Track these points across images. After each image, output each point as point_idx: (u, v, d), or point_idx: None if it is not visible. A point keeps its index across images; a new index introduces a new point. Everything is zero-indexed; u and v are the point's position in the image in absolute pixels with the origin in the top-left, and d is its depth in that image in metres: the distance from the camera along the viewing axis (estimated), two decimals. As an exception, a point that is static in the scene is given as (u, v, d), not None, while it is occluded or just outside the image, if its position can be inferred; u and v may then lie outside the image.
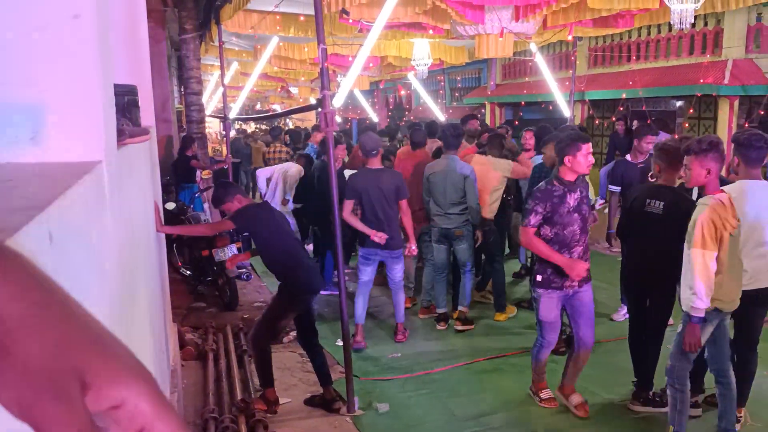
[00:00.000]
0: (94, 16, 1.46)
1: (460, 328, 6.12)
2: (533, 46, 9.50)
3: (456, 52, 10.10)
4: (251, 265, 8.22)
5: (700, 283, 3.42)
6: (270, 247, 4.43)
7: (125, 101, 2.84)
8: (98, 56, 1.48)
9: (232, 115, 9.30)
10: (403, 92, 16.26)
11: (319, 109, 4.17)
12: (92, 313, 0.47)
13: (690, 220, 3.53)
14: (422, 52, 8.54)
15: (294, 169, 7.95)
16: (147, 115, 3.95)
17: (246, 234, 6.68)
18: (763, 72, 8.26)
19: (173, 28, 9.89)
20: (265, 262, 4.59)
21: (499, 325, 6.30)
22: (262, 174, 8.49)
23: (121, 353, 0.47)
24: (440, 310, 6.30)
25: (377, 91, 18.43)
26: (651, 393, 4.43)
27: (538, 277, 4.27)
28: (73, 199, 1.08)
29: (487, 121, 14.07)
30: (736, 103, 8.45)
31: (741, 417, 4.07)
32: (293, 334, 5.89)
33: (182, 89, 9.72)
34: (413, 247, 5.75)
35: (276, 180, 7.98)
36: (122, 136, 2.21)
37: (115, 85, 1.97)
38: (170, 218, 6.62)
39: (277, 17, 7.02)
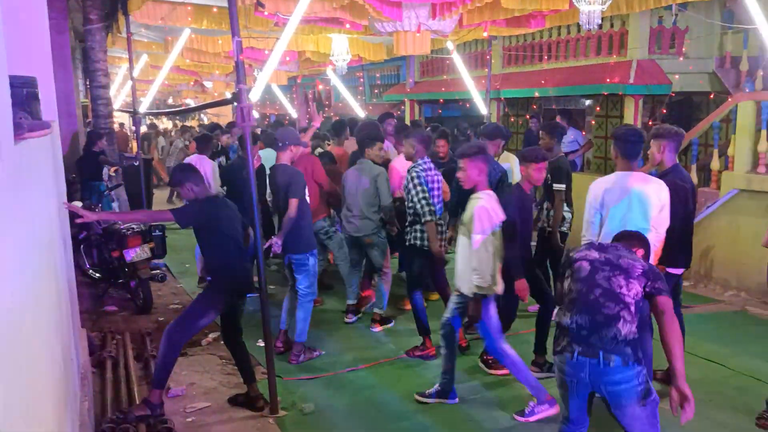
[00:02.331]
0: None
1: (377, 329, 6.13)
2: (450, 44, 9.66)
3: (374, 48, 10.13)
4: (166, 265, 7.94)
5: (483, 264, 3.99)
6: (209, 246, 4.36)
7: (24, 94, 2.69)
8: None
9: (142, 109, 8.93)
10: (321, 87, 16.12)
11: (235, 104, 4.05)
12: None
13: (469, 215, 4.08)
14: (341, 47, 8.50)
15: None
16: (49, 109, 3.73)
17: (159, 233, 6.46)
18: (664, 72, 8.72)
19: (77, 18, 9.41)
20: (204, 256, 4.51)
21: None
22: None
23: None
24: (349, 302, 6.33)
25: (296, 86, 18.21)
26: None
27: None
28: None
29: (407, 118, 14.20)
30: (641, 101, 8.88)
31: None
32: (213, 336, 5.77)
33: (88, 82, 9.25)
34: (276, 240, 5.20)
35: None
36: (20, 130, 2.08)
37: (11, 77, 1.84)
38: (75, 218, 6.28)
39: (189, 8, 6.76)
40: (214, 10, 6.83)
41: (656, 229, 4.22)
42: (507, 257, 4.75)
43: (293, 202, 5.18)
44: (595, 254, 3.23)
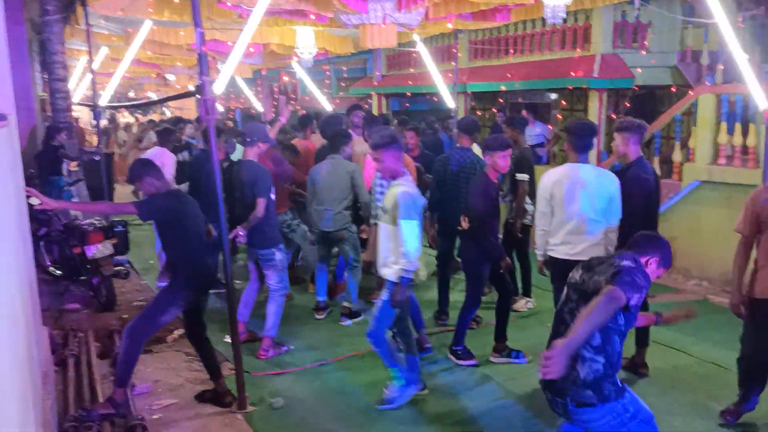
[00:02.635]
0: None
1: (347, 323, 6.12)
2: (416, 38, 9.64)
3: (341, 41, 10.04)
4: (129, 262, 7.79)
5: (412, 249, 4.09)
6: (170, 240, 4.30)
7: (-24, 85, 2.58)
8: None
9: (103, 103, 8.72)
10: (286, 78, 15.93)
11: (199, 97, 3.98)
12: None
13: (395, 200, 4.12)
14: (306, 40, 8.40)
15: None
16: (5, 102, 3.63)
17: (122, 229, 6.32)
18: (627, 66, 8.84)
19: (34, 9, 9.13)
20: (166, 251, 4.45)
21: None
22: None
23: None
24: (319, 299, 6.31)
25: (261, 79, 18.00)
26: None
27: None
28: None
29: (374, 112, 14.17)
30: (605, 95, 9.00)
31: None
32: (178, 333, 5.68)
33: (46, 75, 9.00)
34: (240, 232, 5.15)
35: None
36: (-28, 122, 2.00)
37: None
38: (34, 214, 6.10)
39: (148, -1, 6.61)
40: (176, 0, 6.70)
41: (607, 220, 4.34)
42: (477, 242, 4.91)
43: (261, 202, 5.14)
44: (576, 276, 3.07)
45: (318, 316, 6.28)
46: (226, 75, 4.74)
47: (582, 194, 4.37)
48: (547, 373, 2.62)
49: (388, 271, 4.26)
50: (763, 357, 3.93)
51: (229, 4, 6.07)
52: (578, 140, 4.45)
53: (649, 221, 4.56)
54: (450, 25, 7.84)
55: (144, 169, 4.29)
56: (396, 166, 4.27)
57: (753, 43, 8.22)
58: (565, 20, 9.22)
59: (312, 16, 6.93)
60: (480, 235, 4.94)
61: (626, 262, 2.91)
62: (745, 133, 7.06)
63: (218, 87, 4.21)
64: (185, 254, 4.27)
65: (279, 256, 5.29)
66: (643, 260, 3.04)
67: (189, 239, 4.25)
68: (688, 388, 4.67)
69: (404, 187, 4.18)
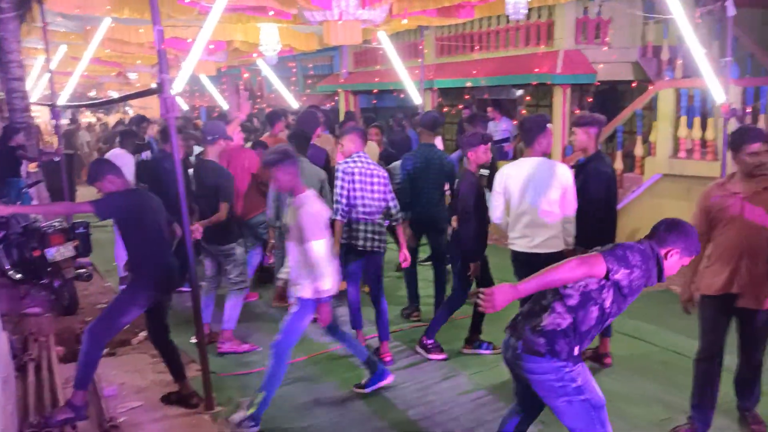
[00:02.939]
0: None
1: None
2: (382, 35, 9.63)
3: (306, 38, 9.98)
4: (92, 263, 7.64)
5: (326, 267, 3.99)
6: (131, 239, 4.23)
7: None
8: None
9: (62, 102, 8.53)
10: (246, 75, 15.72)
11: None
12: None
13: (299, 218, 3.95)
14: (270, 37, 8.33)
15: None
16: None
17: (83, 230, 6.20)
18: (590, 61, 8.96)
19: (-12, 6, 8.88)
20: (127, 251, 4.37)
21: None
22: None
23: None
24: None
25: (226, 77, 17.80)
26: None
27: None
28: None
29: (341, 109, 14.13)
30: (569, 90, 9.11)
31: None
32: (142, 335, 5.60)
33: (1, 75, 8.79)
34: (197, 226, 5.12)
35: None
36: None
37: None
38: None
39: (105, -5, 6.48)
40: (132, -2, 6.60)
41: (563, 211, 4.42)
42: (462, 238, 4.92)
43: (224, 207, 5.19)
44: None
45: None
46: (186, 73, 4.68)
47: (535, 187, 4.46)
48: (486, 307, 2.72)
49: (301, 289, 4.12)
50: (710, 354, 3.80)
51: (187, 0, 5.99)
52: (527, 134, 4.55)
53: (608, 213, 4.67)
54: (405, 21, 7.82)
55: (101, 167, 4.25)
56: (293, 182, 4.08)
57: (711, 38, 8.39)
58: (528, 17, 9.36)
59: (271, 12, 6.86)
60: (467, 232, 4.92)
61: (637, 245, 2.87)
62: (704, 126, 7.23)
63: (178, 85, 4.14)
64: (147, 253, 4.21)
65: (239, 250, 5.34)
66: (662, 251, 2.89)
67: (149, 238, 4.19)
68: (650, 376, 4.76)
69: (306, 206, 4.01)
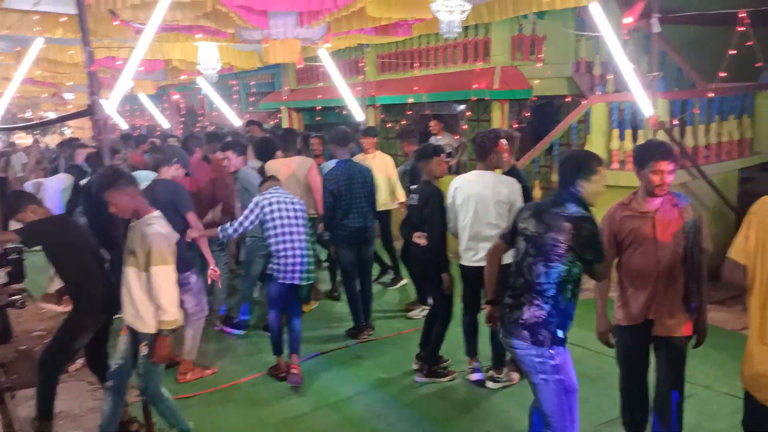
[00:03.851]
0: None
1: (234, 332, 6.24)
2: (323, 52, 9.68)
3: (246, 56, 9.94)
4: (26, 290, 7.37)
5: (171, 297, 3.67)
6: (65, 264, 4.17)
7: None
8: None
9: (-8, 124, 8.26)
10: (176, 97, 15.44)
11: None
12: None
13: (145, 243, 3.64)
14: (209, 56, 8.27)
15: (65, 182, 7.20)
16: None
17: (16, 256, 5.98)
18: (526, 77, 9.21)
19: None
20: (62, 278, 4.30)
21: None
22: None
23: None
24: (241, 318, 6.26)
25: (166, 95, 17.53)
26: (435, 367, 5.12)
27: None
28: None
29: (284, 125, 14.07)
30: (506, 106, 9.33)
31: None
32: (80, 361, 5.45)
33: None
34: (212, 268, 5.33)
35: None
36: None
37: None
38: None
39: (35, 17, 6.30)
40: (63, 18, 6.43)
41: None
42: (433, 250, 4.88)
43: (191, 216, 5.16)
44: (530, 227, 3.26)
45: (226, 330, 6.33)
46: (118, 94, 4.61)
47: (480, 201, 4.56)
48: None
49: (143, 324, 3.77)
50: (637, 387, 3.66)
51: (118, 21, 5.90)
52: (481, 149, 4.66)
53: None
54: (326, 43, 7.86)
55: (22, 199, 4.22)
56: (133, 203, 3.75)
57: (640, 53, 8.76)
58: (465, 34, 9.58)
59: (200, 34, 6.83)
60: (438, 249, 4.90)
61: (573, 209, 3.15)
62: (635, 138, 7.50)
63: (110, 106, 4.06)
64: (85, 276, 4.15)
65: (193, 279, 5.13)
66: (578, 188, 3.22)
67: (83, 262, 4.14)
68: (586, 382, 4.87)
69: (156, 226, 3.70)
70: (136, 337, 3.83)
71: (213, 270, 5.33)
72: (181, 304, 5.15)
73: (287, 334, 5.25)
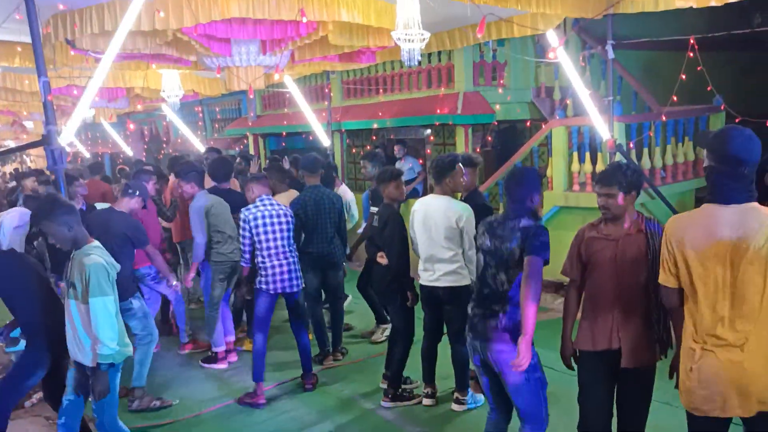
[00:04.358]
0: None
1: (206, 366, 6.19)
2: (287, 78, 9.73)
3: (210, 83, 9.94)
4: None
5: (109, 330, 3.53)
6: (20, 298, 4.07)
7: None
8: None
9: (-52, 154, 8.07)
10: (132, 126, 15.22)
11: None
12: None
13: (84, 273, 3.54)
14: (172, 83, 8.25)
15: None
16: None
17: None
18: (489, 102, 9.37)
19: None
20: (13, 313, 4.20)
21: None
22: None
23: None
24: (216, 349, 6.16)
25: (130, 122, 17.40)
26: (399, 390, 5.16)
27: None
28: None
29: (251, 152, 14.04)
30: (470, 130, 9.47)
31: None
32: (36, 397, 5.31)
33: None
34: (174, 283, 5.50)
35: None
36: None
37: None
38: None
39: (-8, 46, 6.26)
40: (19, 48, 6.38)
41: (460, 248, 4.58)
42: (393, 270, 4.97)
43: (150, 249, 5.30)
44: (486, 242, 3.52)
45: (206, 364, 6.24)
46: (74, 123, 4.56)
47: (433, 223, 4.63)
48: (521, 366, 3.24)
49: (85, 356, 3.68)
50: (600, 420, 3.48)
51: (74, 50, 5.87)
52: (437, 173, 4.71)
53: None
54: (281, 72, 7.91)
55: None
56: (70, 233, 3.62)
57: (598, 78, 8.99)
58: (429, 60, 9.73)
59: (152, 64, 6.83)
60: (398, 269, 4.98)
61: (524, 221, 3.40)
62: (594, 161, 7.67)
63: (66, 136, 4.03)
64: (35, 313, 4.04)
65: (136, 304, 5.15)
66: (530, 204, 3.45)
67: (38, 296, 4.04)
68: (552, 399, 4.89)
69: (94, 256, 3.60)
70: (84, 370, 3.74)
71: (175, 284, 5.41)
72: (131, 330, 5.15)
73: (299, 352, 5.44)
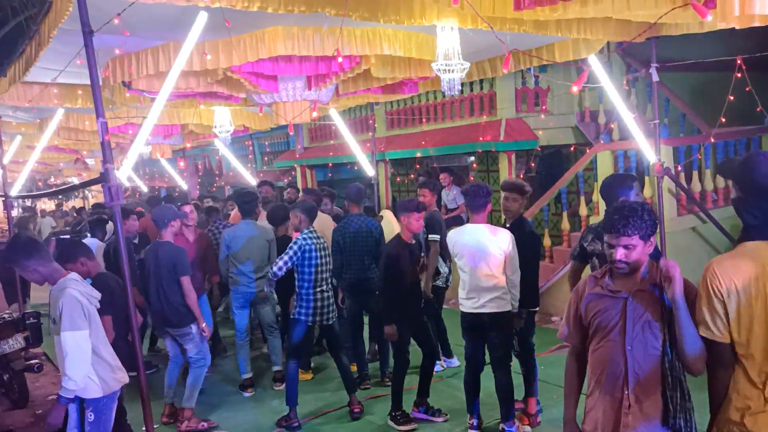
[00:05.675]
0: None
1: (278, 387, 6.24)
2: (333, 111, 9.97)
3: (260, 118, 10.25)
4: (45, 354, 7.50)
5: (79, 365, 3.45)
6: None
7: None
8: None
9: (14, 192, 8.54)
10: (181, 163, 15.68)
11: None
12: None
13: (58, 307, 3.49)
14: (223, 118, 8.57)
15: None
16: None
17: (34, 321, 6.13)
18: (531, 128, 9.38)
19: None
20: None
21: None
22: None
23: None
24: (245, 376, 6.26)
25: (184, 158, 18.04)
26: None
27: None
28: None
29: (299, 183, 14.36)
30: (513, 156, 9.49)
31: None
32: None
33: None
34: (203, 325, 5.43)
35: None
36: None
37: None
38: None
39: (55, 90, 6.66)
40: (80, 91, 6.76)
41: (507, 275, 4.60)
42: (383, 299, 5.11)
43: (185, 281, 5.31)
44: (598, 247, 4.02)
45: (247, 394, 6.28)
46: (131, 160, 4.82)
47: (476, 251, 4.64)
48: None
49: (81, 391, 3.61)
50: None
51: (129, 91, 6.19)
52: (470, 201, 4.76)
53: (535, 271, 5.07)
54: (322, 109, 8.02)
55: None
56: (45, 272, 3.61)
57: (645, 101, 8.91)
58: (471, 89, 9.83)
59: (199, 101, 7.10)
60: (391, 296, 5.10)
61: None
62: (642, 185, 7.55)
63: (124, 173, 4.25)
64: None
65: (195, 329, 5.40)
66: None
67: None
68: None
69: (69, 290, 3.53)
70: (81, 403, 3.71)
71: (203, 328, 5.43)
72: (186, 353, 5.45)
73: (340, 374, 5.51)
